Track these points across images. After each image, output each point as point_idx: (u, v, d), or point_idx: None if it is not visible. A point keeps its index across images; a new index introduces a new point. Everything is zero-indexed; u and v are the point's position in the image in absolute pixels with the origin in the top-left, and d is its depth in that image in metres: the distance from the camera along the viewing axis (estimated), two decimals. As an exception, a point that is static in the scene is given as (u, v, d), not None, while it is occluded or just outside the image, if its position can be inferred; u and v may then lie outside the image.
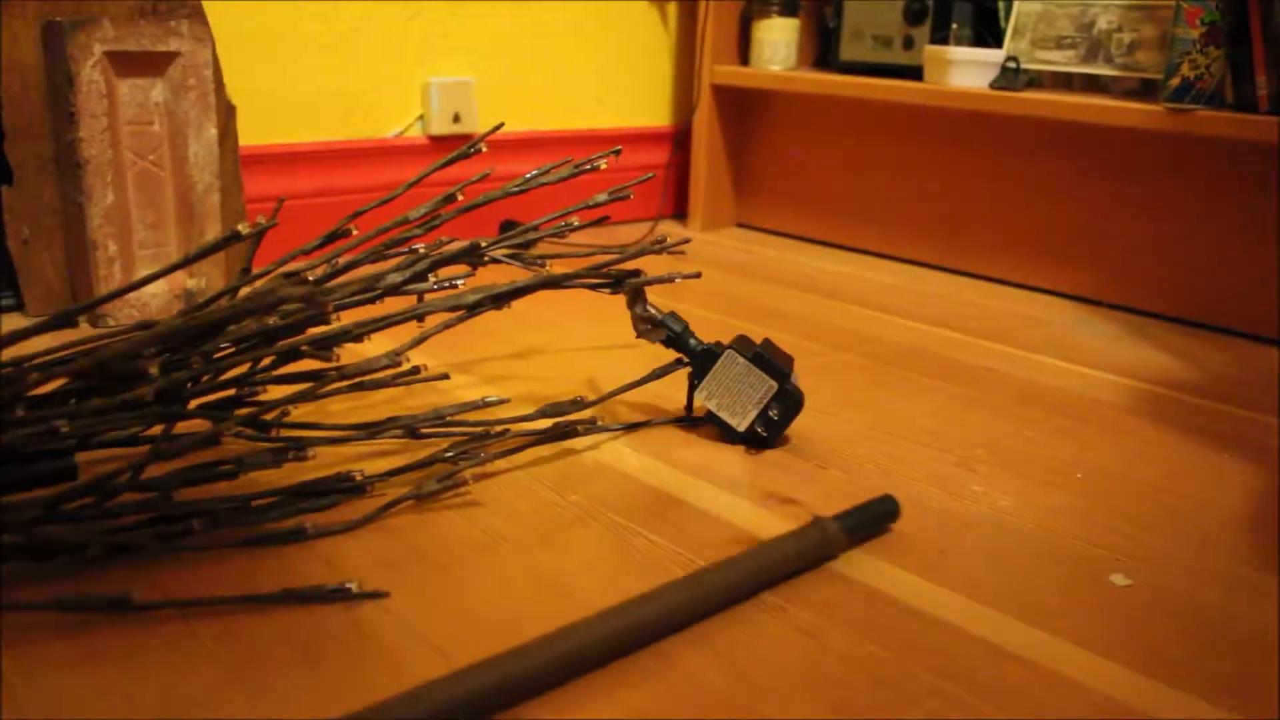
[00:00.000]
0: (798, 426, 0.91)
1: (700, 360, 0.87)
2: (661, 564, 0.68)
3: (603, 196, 0.84)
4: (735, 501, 0.77)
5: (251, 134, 1.35)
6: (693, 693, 0.55)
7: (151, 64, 1.11)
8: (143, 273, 1.14)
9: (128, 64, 1.09)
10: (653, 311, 0.87)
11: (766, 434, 0.86)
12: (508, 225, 1.56)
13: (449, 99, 1.51)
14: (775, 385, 0.85)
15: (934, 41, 1.49)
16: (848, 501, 0.78)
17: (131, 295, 1.12)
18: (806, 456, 0.86)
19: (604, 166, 0.78)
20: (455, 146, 1.55)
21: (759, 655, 0.59)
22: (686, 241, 0.92)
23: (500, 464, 0.82)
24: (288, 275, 0.70)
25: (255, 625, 0.59)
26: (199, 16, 1.15)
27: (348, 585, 0.62)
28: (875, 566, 0.69)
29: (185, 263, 0.66)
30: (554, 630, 0.56)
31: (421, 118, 1.52)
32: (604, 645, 0.56)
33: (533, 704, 0.54)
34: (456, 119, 1.53)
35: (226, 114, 1.20)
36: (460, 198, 0.74)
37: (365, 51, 1.44)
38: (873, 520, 0.72)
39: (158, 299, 1.14)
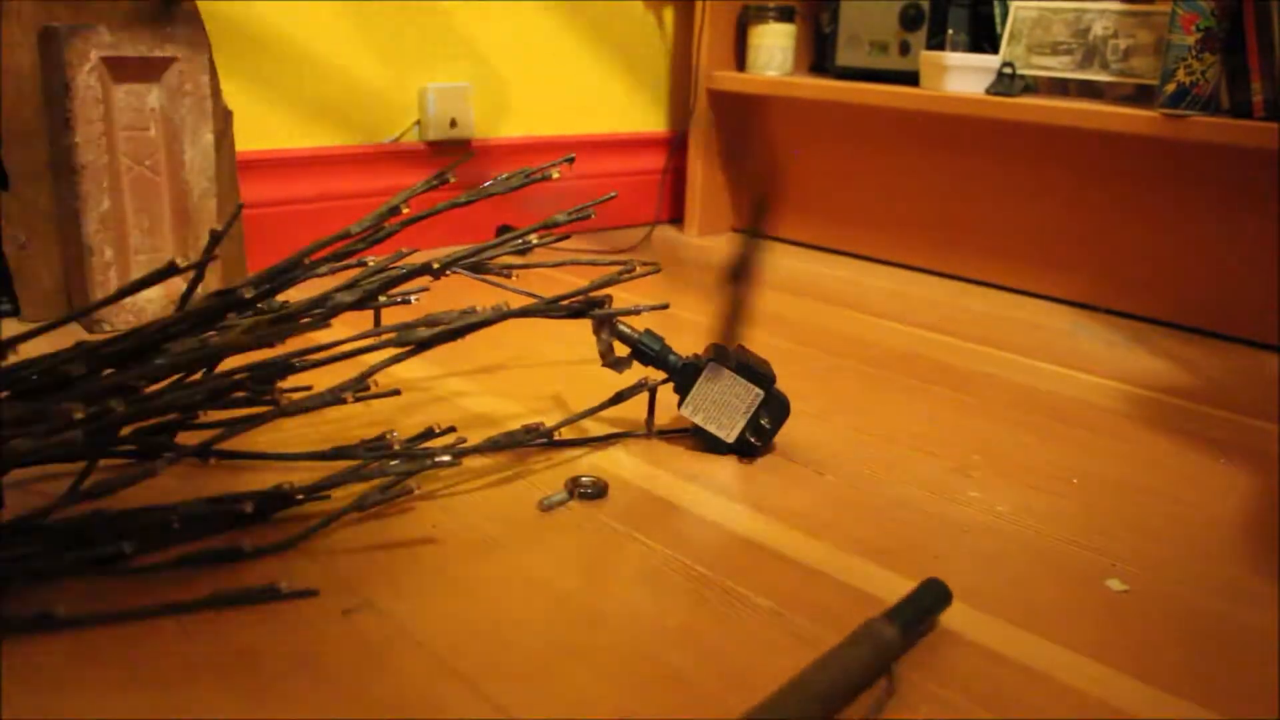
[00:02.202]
0: (793, 432, 0.91)
1: (683, 375, 0.86)
2: (657, 569, 0.68)
3: (562, 217, 0.82)
4: (731, 507, 0.77)
5: (248, 139, 1.35)
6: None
7: (148, 70, 1.11)
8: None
9: (124, 70, 1.09)
10: (626, 330, 0.85)
11: (759, 442, 0.86)
12: (503, 231, 1.56)
13: (446, 104, 1.52)
14: (762, 393, 0.85)
15: (930, 47, 1.49)
16: (844, 507, 0.78)
17: (128, 300, 1.12)
18: (804, 462, 0.86)
19: (556, 176, 0.77)
20: (452, 152, 1.55)
21: (756, 660, 0.59)
22: (656, 271, 0.90)
23: (485, 461, 0.81)
24: (220, 294, 0.68)
25: (251, 630, 0.59)
26: (196, 22, 1.15)
27: (275, 586, 0.62)
28: (869, 571, 0.69)
29: (187, 269, 0.65)
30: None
31: (418, 123, 1.52)
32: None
33: None
34: (453, 124, 1.53)
35: (223, 119, 1.20)
36: (406, 210, 0.73)
37: (362, 57, 1.44)
38: (929, 609, 0.63)
39: (154, 304, 1.14)
